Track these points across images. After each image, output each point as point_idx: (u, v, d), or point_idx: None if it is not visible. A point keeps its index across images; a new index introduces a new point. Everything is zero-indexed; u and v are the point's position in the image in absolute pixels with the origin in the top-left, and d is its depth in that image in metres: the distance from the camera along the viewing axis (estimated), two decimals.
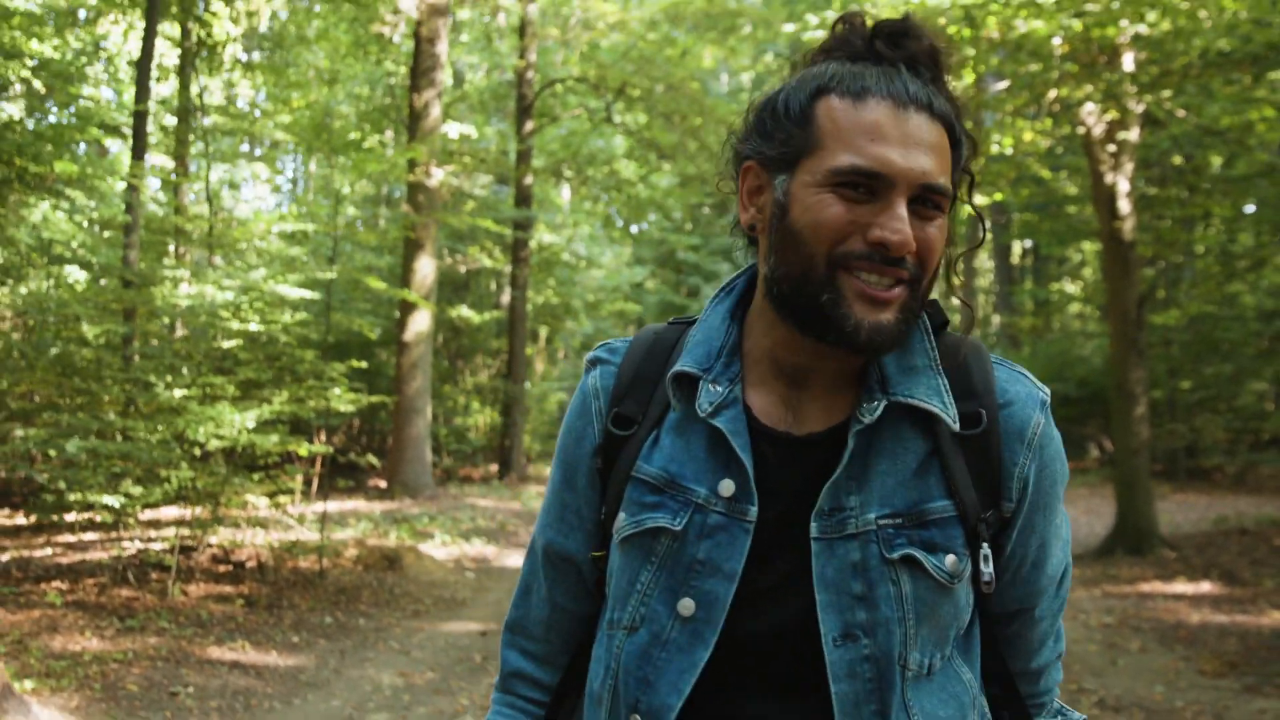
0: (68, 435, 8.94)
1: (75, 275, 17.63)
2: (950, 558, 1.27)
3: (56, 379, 11.14)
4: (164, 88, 21.14)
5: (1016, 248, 31.66)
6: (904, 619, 1.25)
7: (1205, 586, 9.34)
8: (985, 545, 1.30)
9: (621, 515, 1.36)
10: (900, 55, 1.29)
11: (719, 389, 1.34)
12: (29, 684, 5.87)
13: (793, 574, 1.28)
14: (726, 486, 1.30)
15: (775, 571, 1.29)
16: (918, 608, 1.25)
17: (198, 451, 9.20)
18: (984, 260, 34.53)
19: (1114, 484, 11.77)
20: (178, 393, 9.22)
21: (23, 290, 16.56)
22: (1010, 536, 1.34)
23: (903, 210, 1.22)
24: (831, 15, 11.05)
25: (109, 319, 11.02)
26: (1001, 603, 1.38)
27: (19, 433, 9.96)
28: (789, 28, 11.36)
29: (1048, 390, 1.39)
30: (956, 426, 1.29)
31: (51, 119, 16.40)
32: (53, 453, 10.12)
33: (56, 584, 9.26)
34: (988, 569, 1.29)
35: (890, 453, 1.29)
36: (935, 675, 1.29)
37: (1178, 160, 14.34)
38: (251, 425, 8.99)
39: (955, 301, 1.47)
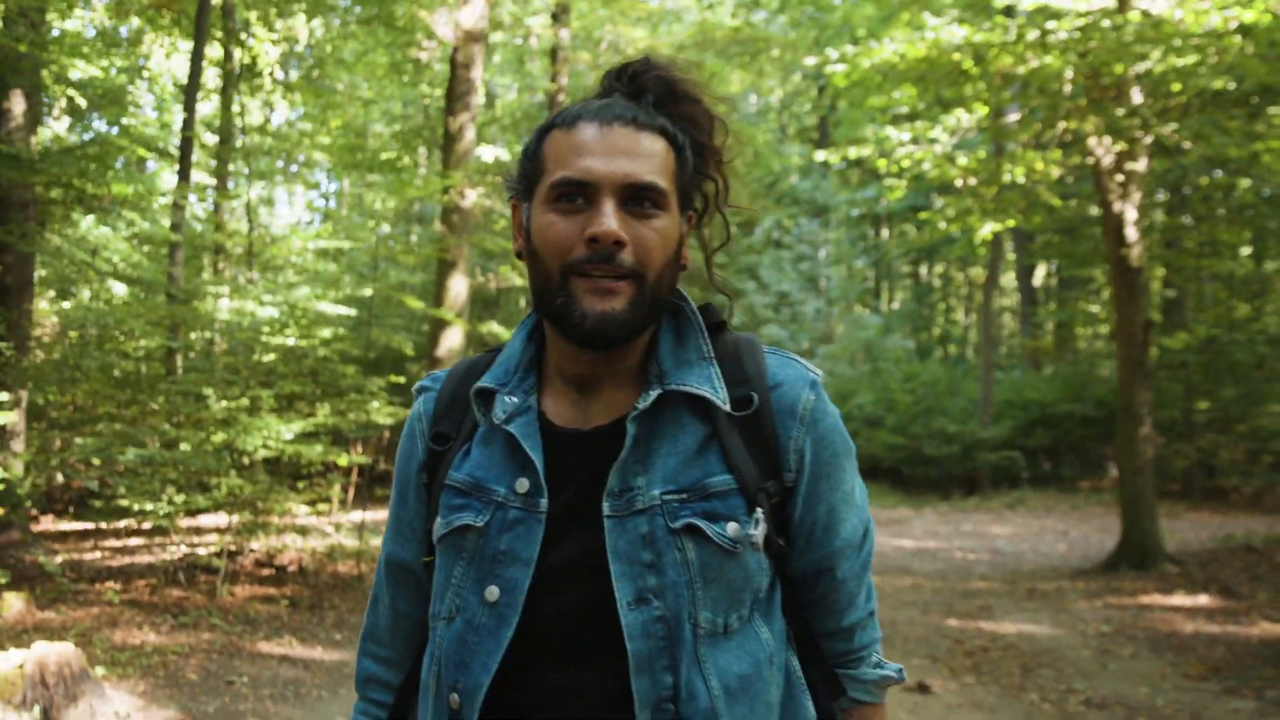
0: (123, 444, 9.49)
1: (117, 290, 18.30)
2: (732, 525, 1.40)
3: (109, 390, 11.70)
4: (204, 107, 21.77)
5: (1041, 269, 31.96)
6: (691, 582, 1.38)
7: (1203, 599, 9.74)
8: (759, 510, 1.42)
9: (438, 520, 1.49)
10: (630, 88, 1.49)
11: (514, 400, 1.48)
12: (99, 670, 6.39)
13: (586, 554, 1.40)
14: (522, 484, 1.44)
15: (570, 554, 1.41)
16: (704, 572, 1.38)
17: (246, 460, 9.74)
18: (1009, 280, 34.92)
19: (1120, 501, 12.13)
20: (221, 404, 9.79)
21: (66, 304, 17.20)
22: (797, 504, 1.48)
23: (608, 209, 1.38)
24: (851, 49, 11.59)
25: (158, 333, 11.58)
26: (801, 565, 1.51)
27: (78, 441, 10.47)
28: (811, 61, 11.84)
29: (819, 372, 1.53)
30: (727, 408, 1.44)
31: (89, 136, 16.99)
32: (97, 460, 10.64)
33: (110, 584, 9.81)
34: (757, 531, 1.41)
35: (670, 436, 1.43)
36: (734, 635, 1.41)
37: (1202, 183, 14.71)
38: (292, 436, 9.55)
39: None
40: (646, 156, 1.40)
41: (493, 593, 1.41)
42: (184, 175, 16.42)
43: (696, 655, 1.37)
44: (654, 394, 1.41)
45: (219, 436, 9.42)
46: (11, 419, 6.78)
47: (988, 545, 14.82)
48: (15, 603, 8.49)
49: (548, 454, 1.45)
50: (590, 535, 1.40)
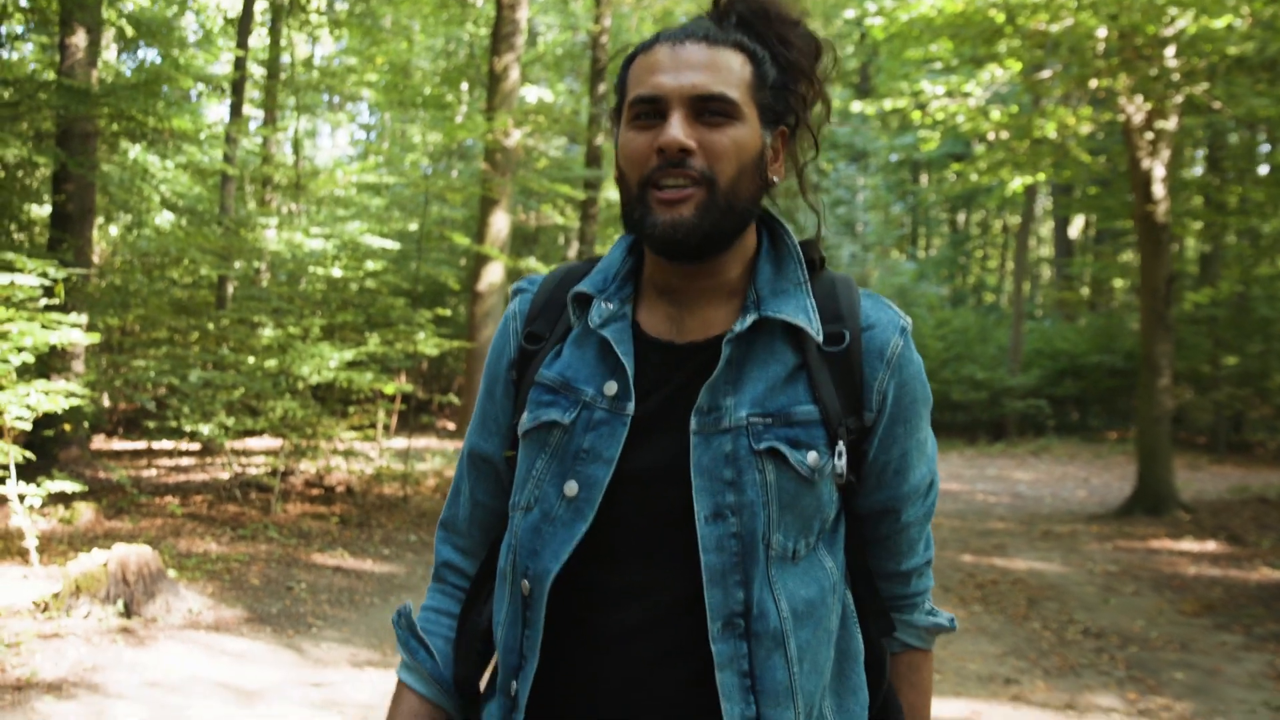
0: (183, 367, 10.03)
1: (163, 218, 18.82)
2: (812, 454, 1.43)
3: (166, 315, 12.22)
4: (251, 40, 22.04)
5: (1079, 220, 32.03)
6: (767, 504, 1.41)
7: (1210, 545, 10.14)
8: (841, 444, 1.46)
9: (524, 414, 1.53)
10: (717, 13, 1.53)
11: (610, 306, 1.52)
12: (170, 574, 6.95)
13: (668, 463, 1.44)
14: (610, 387, 1.48)
15: (651, 460, 1.45)
16: (780, 496, 1.41)
17: (301, 385, 10.27)
18: (1047, 230, 35.02)
19: (1137, 449, 12.52)
20: (275, 331, 10.30)
21: (113, 231, 17.69)
22: (873, 443, 1.52)
23: (677, 119, 1.41)
24: (891, 2, 11.86)
25: (210, 260, 12.06)
26: (868, 504, 1.55)
27: (138, 363, 11.02)
28: (850, 14, 12.11)
29: (909, 320, 1.57)
30: (820, 340, 1.47)
31: (135, 66, 17.40)
32: (173, 381, 11.15)
33: (169, 499, 10.40)
34: (840, 463, 1.45)
35: (762, 362, 1.46)
36: (800, 561, 1.44)
37: (1232, 142, 14.92)
38: (343, 363, 10.06)
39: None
40: (718, 68, 1.43)
41: (571, 488, 1.45)
42: (237, 109, 16.89)
43: (768, 575, 1.41)
44: (751, 318, 1.45)
45: (273, 362, 9.94)
46: (76, 340, 7.26)
47: (1009, 489, 15.25)
48: (85, 512, 9.09)
49: (638, 361, 1.49)
50: (671, 445, 1.44)
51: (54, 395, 6.94)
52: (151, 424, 13.05)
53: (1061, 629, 7.03)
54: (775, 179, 1.52)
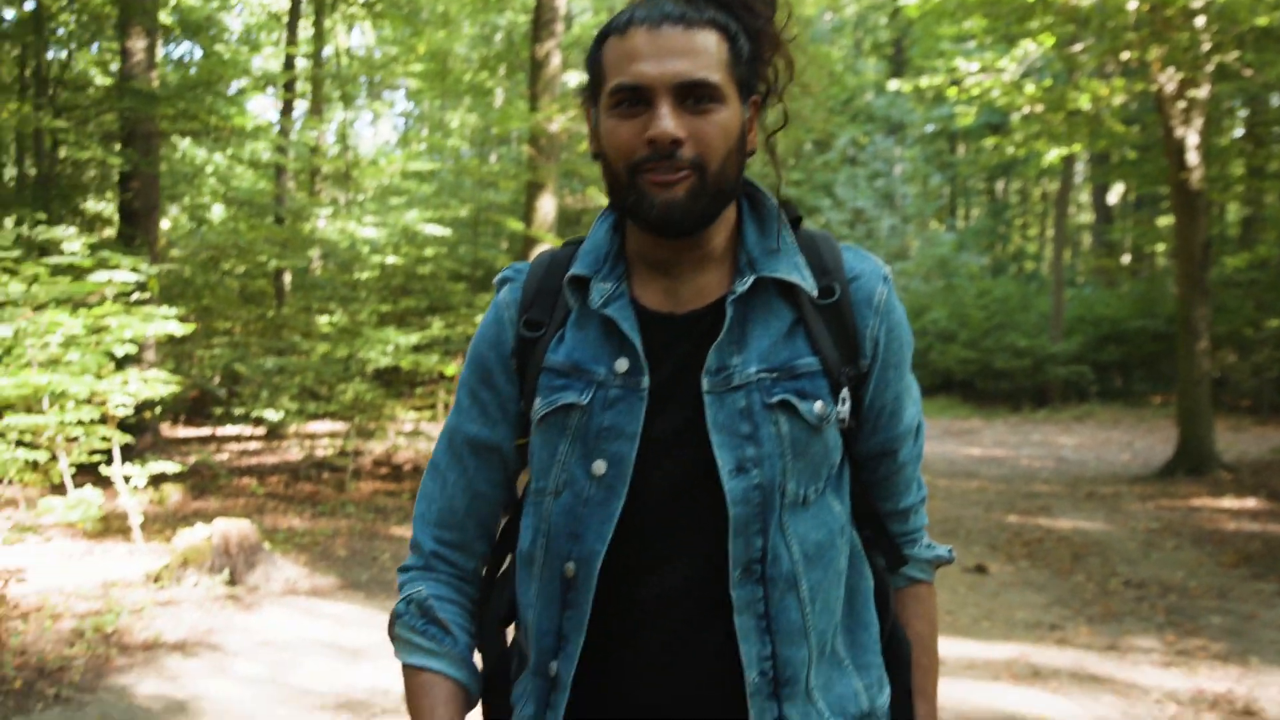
0: (260, 354, 10.56)
1: (214, 212, 19.39)
2: (818, 404, 1.50)
3: (234, 305, 12.75)
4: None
5: (1119, 186, 32.09)
6: (783, 454, 1.47)
7: (1250, 503, 10.45)
8: (844, 391, 1.53)
9: (537, 400, 1.55)
10: None
11: (607, 285, 1.55)
12: (266, 546, 7.45)
13: (686, 427, 1.49)
14: (621, 364, 1.51)
15: (669, 428, 1.50)
16: (794, 445, 1.48)
17: (369, 369, 10.77)
18: (1086, 197, 35.07)
19: (1176, 412, 12.82)
20: (343, 317, 10.79)
21: (165, 224, 18.23)
22: (868, 388, 1.58)
23: (664, 110, 1.42)
24: None
25: (273, 250, 12.55)
26: (867, 447, 1.62)
27: (214, 350, 11.55)
28: None
29: (888, 268, 1.62)
30: (815, 294, 1.53)
31: (187, 61, 17.92)
32: (240, 369, 11.66)
33: (247, 480, 10.93)
34: (844, 409, 1.53)
35: (762, 320, 1.52)
36: (810, 506, 1.50)
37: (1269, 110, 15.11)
38: (409, 346, 10.54)
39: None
40: (698, 53, 1.44)
41: (599, 466, 1.49)
42: (289, 104, 17.38)
43: (781, 522, 1.47)
44: (749, 279, 1.51)
45: (343, 349, 10.43)
46: (172, 331, 7.75)
47: (1054, 454, 15.56)
48: (174, 493, 9.63)
49: (643, 335, 1.51)
50: (687, 410, 1.49)
51: (152, 383, 7.44)
52: (219, 410, 13.63)
53: (1104, 581, 7.41)
54: (752, 150, 1.56)
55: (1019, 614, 6.51)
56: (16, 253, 7.36)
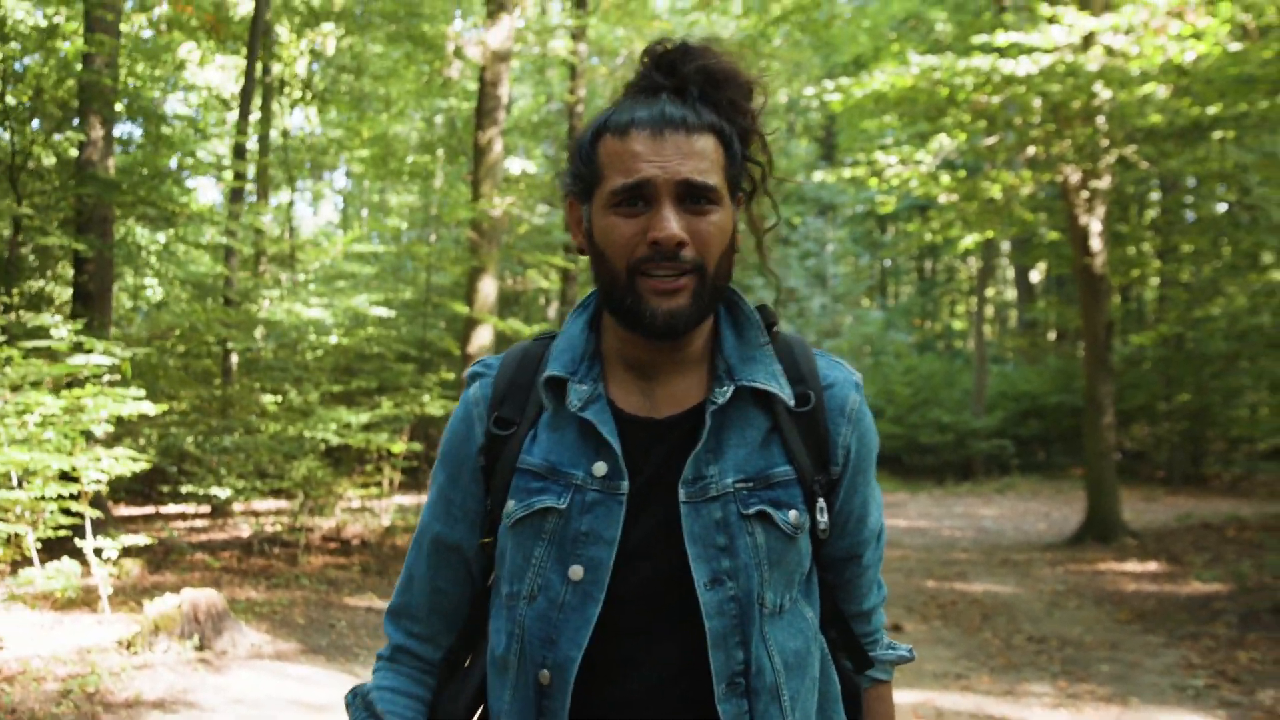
0: (217, 434, 11.02)
1: (154, 293, 19.79)
2: (793, 513, 1.50)
3: (189, 386, 13.19)
4: (232, 115, 22.76)
5: (1042, 265, 33.34)
6: (760, 565, 1.46)
7: (1151, 566, 11.20)
8: (821, 500, 1.53)
9: (511, 502, 1.53)
10: (672, 82, 1.52)
11: (585, 387, 1.53)
12: (231, 615, 7.89)
13: (662, 533, 1.47)
14: (600, 468, 1.49)
15: (645, 533, 1.48)
16: (770, 555, 1.47)
17: (323, 446, 11.26)
18: (1011, 275, 36.36)
19: (1085, 483, 13.63)
20: (271, 397, 11.29)
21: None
22: (839, 495, 1.58)
23: (668, 211, 1.43)
24: (847, 80, 13.02)
25: (234, 335, 13.05)
26: (834, 551, 1.62)
27: (172, 430, 11.98)
28: (809, 90, 13.26)
29: (859, 375, 1.64)
30: (793, 404, 1.53)
31: (134, 148, 18.42)
32: (189, 448, 12.07)
33: (199, 556, 11.32)
34: (823, 519, 1.53)
35: (739, 429, 1.51)
36: (785, 614, 1.50)
37: (1153, 200, 16.20)
38: (359, 425, 11.07)
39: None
40: (699, 158, 1.45)
41: (577, 572, 1.47)
42: (237, 192, 17.93)
43: (762, 633, 1.46)
44: (729, 389, 1.50)
45: (297, 427, 10.92)
46: (145, 411, 8.23)
47: (974, 524, 16.31)
48: (133, 568, 10.02)
49: (621, 439, 1.50)
50: (664, 515, 1.48)
51: (122, 460, 7.90)
52: (165, 488, 13.97)
53: (1009, 637, 8.08)
54: (737, 248, 1.57)
55: (928, 666, 7.14)
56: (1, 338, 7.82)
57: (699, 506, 1.47)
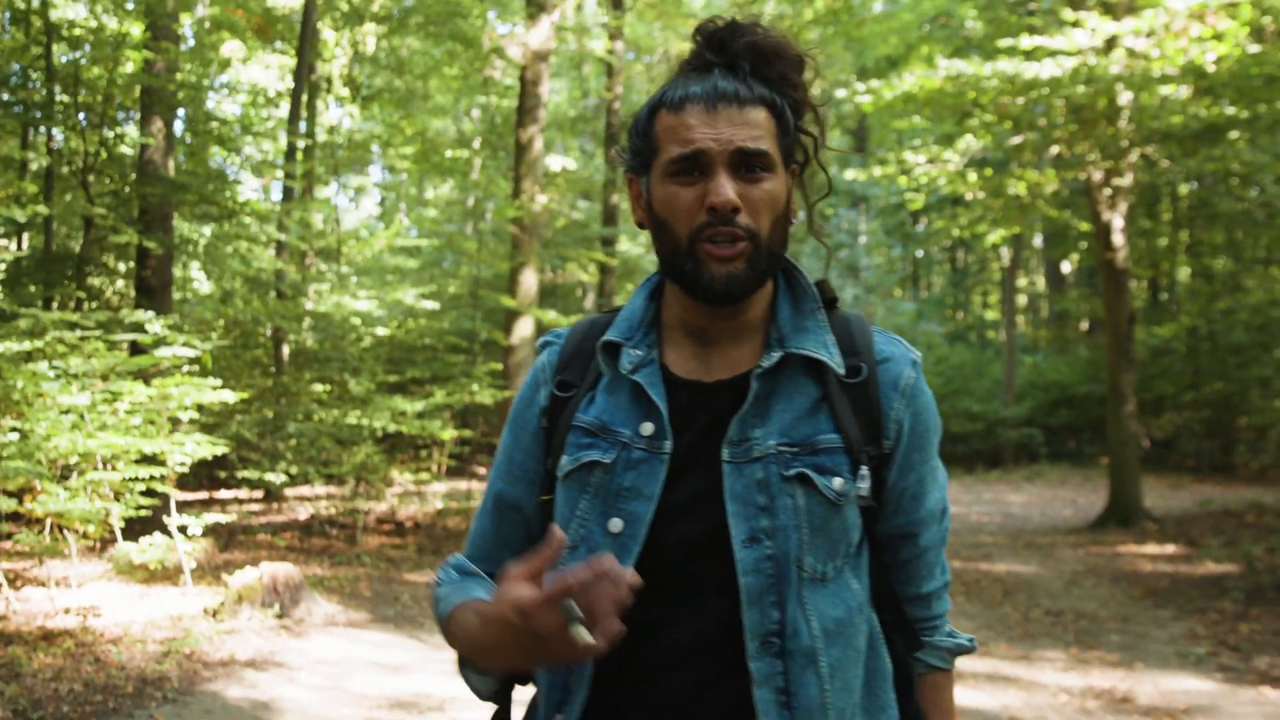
0: (279, 421, 11.69)
1: (202, 288, 20.51)
2: (838, 480, 1.50)
3: (249, 376, 13.88)
4: (281, 111, 23.28)
5: (1074, 258, 33.69)
6: (799, 527, 1.48)
7: (1169, 549, 11.69)
8: (864, 468, 1.52)
9: (564, 457, 1.58)
10: (723, 58, 1.56)
11: (638, 352, 1.59)
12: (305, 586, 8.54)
13: (704, 494, 1.51)
14: (647, 428, 1.54)
15: (688, 493, 1.52)
16: (811, 519, 1.49)
17: (380, 433, 11.91)
18: (1039, 266, 36.68)
19: (1109, 469, 14.12)
20: (320, 386, 11.93)
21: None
22: (892, 470, 1.58)
23: (723, 178, 1.48)
24: (877, 82, 13.52)
25: (292, 326, 13.71)
26: (889, 529, 1.61)
27: (241, 419, 12.63)
28: (841, 93, 13.79)
29: (919, 354, 1.64)
30: (842, 372, 1.55)
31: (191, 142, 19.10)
32: (245, 435, 12.73)
33: (263, 536, 12.00)
34: (863, 485, 1.52)
35: (787, 395, 1.54)
36: (830, 583, 1.50)
37: (1182, 194, 16.64)
38: (414, 413, 11.71)
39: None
40: (752, 127, 1.49)
41: (616, 524, 1.51)
42: (288, 190, 18.61)
43: (800, 596, 1.47)
44: (777, 355, 1.53)
45: (355, 415, 11.56)
46: (227, 399, 8.87)
47: (1002, 510, 16.83)
48: (204, 546, 10.69)
49: (670, 401, 1.54)
50: (707, 477, 1.50)
51: (204, 443, 8.56)
52: (223, 474, 14.68)
53: (1027, 611, 8.62)
54: (794, 219, 1.60)
55: None
56: (98, 330, 8.48)
57: (741, 467, 1.49)
